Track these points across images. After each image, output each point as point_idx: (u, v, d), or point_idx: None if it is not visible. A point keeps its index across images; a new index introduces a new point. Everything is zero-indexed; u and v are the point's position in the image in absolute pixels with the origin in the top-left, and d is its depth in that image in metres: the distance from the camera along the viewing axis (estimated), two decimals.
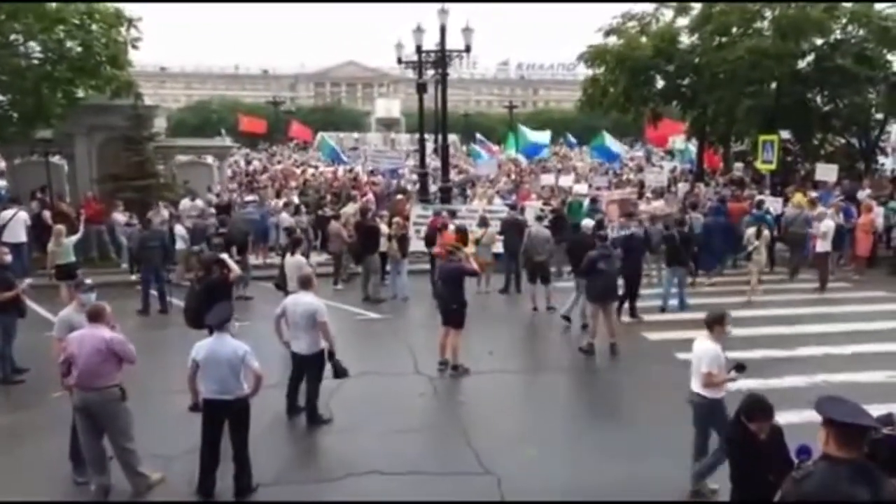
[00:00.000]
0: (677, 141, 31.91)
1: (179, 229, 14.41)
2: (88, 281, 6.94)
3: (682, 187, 21.43)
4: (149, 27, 16.95)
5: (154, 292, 12.49)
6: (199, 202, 17.11)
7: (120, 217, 15.98)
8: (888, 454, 3.65)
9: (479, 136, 36.74)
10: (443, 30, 18.21)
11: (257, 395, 6.10)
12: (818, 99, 22.12)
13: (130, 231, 14.81)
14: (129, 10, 16.52)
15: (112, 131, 17.58)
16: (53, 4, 15.50)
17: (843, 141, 23.04)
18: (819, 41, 21.38)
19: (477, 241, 13.58)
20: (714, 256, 14.53)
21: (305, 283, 7.82)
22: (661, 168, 26.63)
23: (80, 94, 16.55)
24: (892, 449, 3.74)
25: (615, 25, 23.50)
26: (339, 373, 7.54)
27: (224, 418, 6.01)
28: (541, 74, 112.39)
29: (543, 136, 31.98)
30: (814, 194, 16.45)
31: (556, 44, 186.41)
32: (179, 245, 14.12)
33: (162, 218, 14.89)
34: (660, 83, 23.91)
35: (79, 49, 15.80)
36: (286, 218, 16.01)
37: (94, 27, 15.81)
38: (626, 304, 11.64)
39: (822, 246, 13.70)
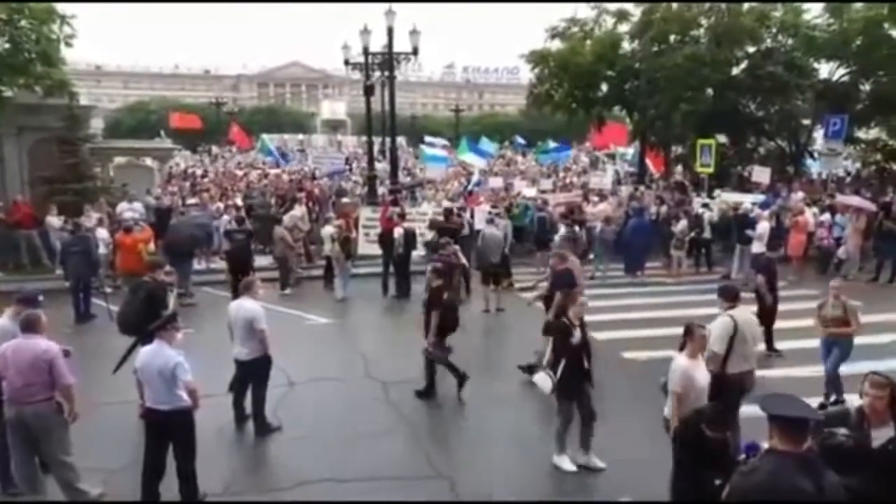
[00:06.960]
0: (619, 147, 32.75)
1: (102, 233, 13.87)
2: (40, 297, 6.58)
3: (626, 190, 21.95)
4: (84, 23, 16.36)
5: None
6: (138, 205, 16.53)
7: (54, 221, 15.29)
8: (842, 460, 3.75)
9: (427, 137, 36.61)
10: (390, 31, 18.14)
11: (201, 405, 5.82)
12: (751, 105, 23.08)
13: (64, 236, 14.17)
14: (62, 6, 15.89)
15: (45, 132, 16.85)
16: None
17: (774, 145, 24.08)
18: (751, 49, 22.32)
19: (426, 244, 13.59)
20: (637, 256, 15.15)
21: (246, 289, 7.64)
22: (604, 171, 27.20)
23: (9, 93, 15.80)
24: (847, 455, 3.85)
25: (560, 29, 23.98)
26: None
27: (164, 428, 5.77)
28: (486, 78, 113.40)
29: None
30: (761, 197, 17.06)
31: (502, 48, 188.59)
32: (102, 250, 13.53)
33: (89, 223, 14.24)
34: (604, 87, 24.49)
35: (6, 46, 15.08)
36: (228, 221, 15.61)
37: (22, 23, 15.10)
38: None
39: (758, 247, 14.25)
